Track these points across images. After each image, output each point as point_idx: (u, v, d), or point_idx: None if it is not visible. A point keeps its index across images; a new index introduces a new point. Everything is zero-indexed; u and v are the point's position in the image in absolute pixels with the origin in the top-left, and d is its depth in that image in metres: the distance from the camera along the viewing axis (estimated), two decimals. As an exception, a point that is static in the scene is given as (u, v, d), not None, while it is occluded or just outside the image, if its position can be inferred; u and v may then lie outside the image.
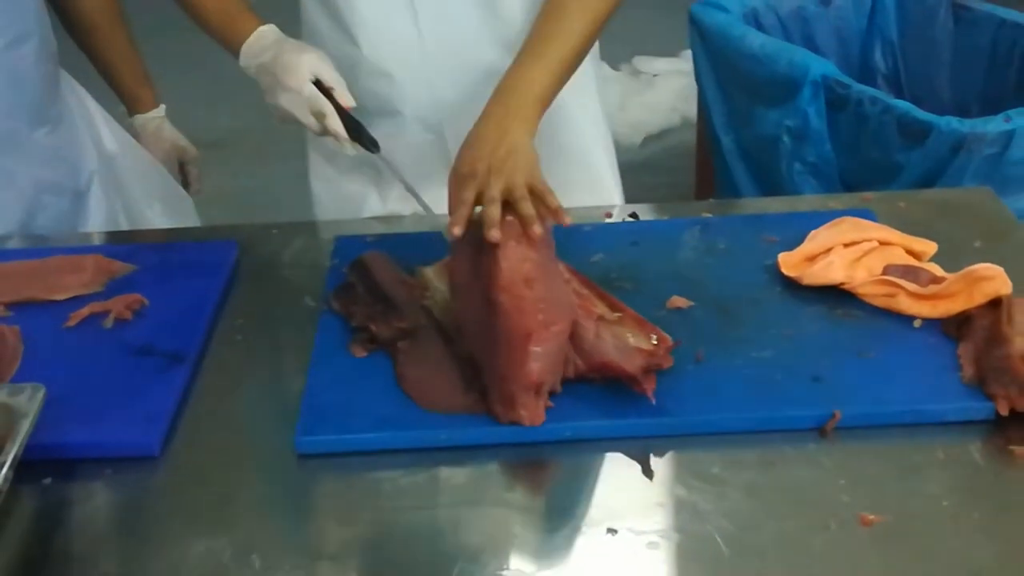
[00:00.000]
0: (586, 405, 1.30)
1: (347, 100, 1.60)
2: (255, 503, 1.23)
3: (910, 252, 1.53)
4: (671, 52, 4.75)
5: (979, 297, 1.40)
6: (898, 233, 1.55)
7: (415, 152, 1.76)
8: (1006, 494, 1.19)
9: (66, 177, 1.84)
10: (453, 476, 1.24)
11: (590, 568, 1.13)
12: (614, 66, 4.66)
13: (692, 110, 3.75)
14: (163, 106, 2.06)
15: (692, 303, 1.48)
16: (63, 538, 1.20)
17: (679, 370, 1.33)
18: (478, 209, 1.34)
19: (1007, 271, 1.41)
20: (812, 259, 1.52)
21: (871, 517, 1.15)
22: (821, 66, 2.77)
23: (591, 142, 1.84)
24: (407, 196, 1.69)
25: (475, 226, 1.33)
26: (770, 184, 2.99)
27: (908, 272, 1.46)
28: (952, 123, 2.47)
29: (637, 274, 1.55)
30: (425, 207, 1.65)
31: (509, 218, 1.32)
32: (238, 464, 1.29)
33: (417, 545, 1.16)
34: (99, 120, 1.95)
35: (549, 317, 1.28)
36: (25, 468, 1.20)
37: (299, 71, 1.58)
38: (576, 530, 1.17)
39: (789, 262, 1.53)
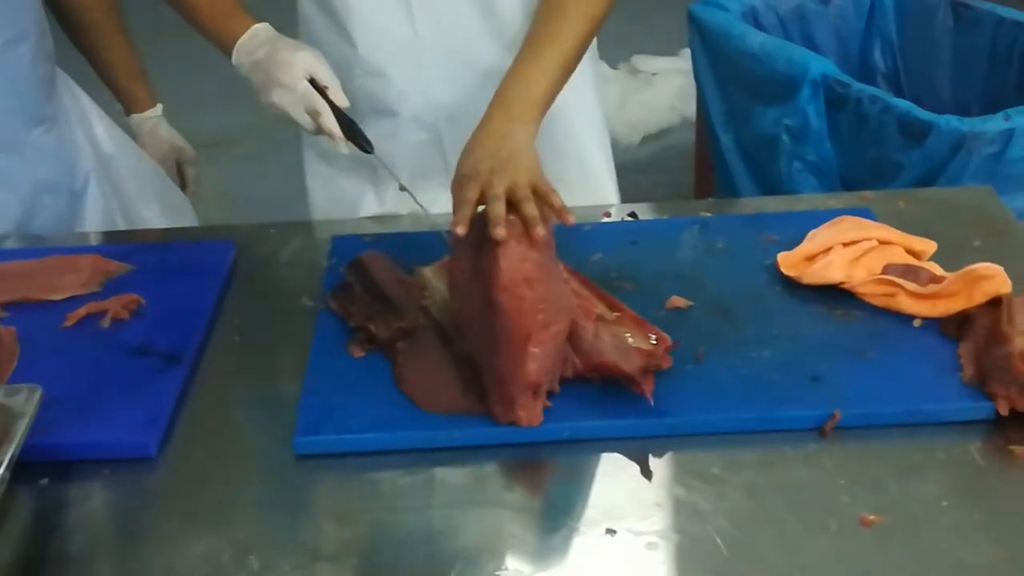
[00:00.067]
0: (585, 405, 1.29)
1: (341, 99, 1.60)
2: (253, 504, 1.23)
3: (910, 251, 1.52)
4: (670, 51, 4.75)
5: (979, 296, 1.39)
6: (898, 232, 1.54)
7: (411, 152, 1.76)
8: (1006, 494, 1.19)
9: (63, 177, 1.83)
10: (451, 476, 1.24)
11: (589, 569, 1.13)
12: (613, 65, 4.66)
13: (691, 109, 3.75)
14: (160, 106, 2.06)
15: (691, 303, 1.48)
16: (60, 539, 1.20)
17: (678, 370, 1.33)
18: (480, 208, 1.33)
19: (1007, 270, 1.40)
20: (811, 258, 1.52)
21: (871, 517, 1.15)
22: (820, 65, 2.77)
23: (587, 141, 1.84)
24: (404, 196, 1.69)
25: (476, 225, 1.33)
26: (769, 183, 2.98)
27: (908, 271, 1.46)
28: (952, 122, 2.46)
29: (636, 274, 1.55)
30: (421, 207, 1.65)
31: (511, 217, 1.31)
32: (236, 465, 1.29)
33: (415, 546, 1.16)
34: (96, 120, 1.94)
35: (549, 317, 1.27)
36: (22, 469, 1.19)
37: (294, 69, 1.58)
38: (575, 531, 1.16)
39: (788, 261, 1.52)
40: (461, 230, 1.31)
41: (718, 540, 1.13)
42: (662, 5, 4.48)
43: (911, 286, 1.43)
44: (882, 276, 1.46)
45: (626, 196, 1.90)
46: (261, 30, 1.65)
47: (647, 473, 1.23)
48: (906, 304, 1.43)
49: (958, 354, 1.35)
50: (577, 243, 1.56)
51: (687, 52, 3.37)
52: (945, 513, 1.16)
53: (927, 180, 2.50)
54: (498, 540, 1.16)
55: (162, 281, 1.58)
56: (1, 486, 1.15)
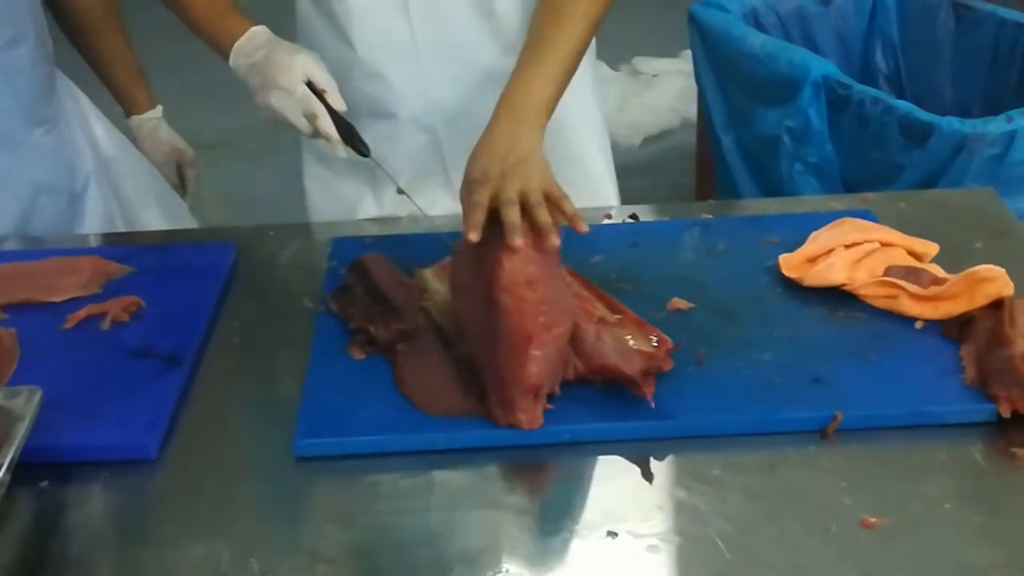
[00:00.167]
0: (586, 407, 1.29)
1: (339, 103, 1.59)
2: (253, 506, 1.23)
3: (911, 253, 1.52)
4: (671, 52, 4.75)
5: (981, 298, 1.39)
6: (899, 234, 1.54)
7: (410, 154, 1.76)
8: (1008, 496, 1.19)
9: (62, 178, 1.83)
10: (452, 479, 1.24)
11: (590, 571, 1.12)
12: (614, 67, 4.66)
13: (692, 111, 3.75)
14: (160, 107, 2.06)
15: (692, 305, 1.47)
16: (60, 541, 1.19)
17: (679, 372, 1.33)
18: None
19: (1009, 272, 1.40)
20: (813, 260, 1.51)
21: (872, 519, 1.15)
22: (822, 66, 2.76)
23: (587, 142, 1.83)
24: (402, 198, 1.68)
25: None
26: (770, 185, 2.98)
27: (909, 273, 1.46)
28: (953, 124, 2.46)
29: (637, 276, 1.54)
30: (420, 209, 1.65)
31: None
32: (236, 467, 1.28)
33: (415, 548, 1.16)
34: (95, 122, 1.94)
35: (550, 320, 1.27)
36: (22, 471, 1.19)
37: (292, 72, 1.57)
38: (575, 533, 1.16)
39: (790, 263, 1.52)
40: (474, 236, 1.28)
41: (719, 542, 1.13)
42: (663, 6, 4.48)
43: (913, 288, 1.43)
44: (884, 278, 1.45)
45: (627, 198, 1.90)
46: (259, 33, 1.65)
47: (648, 475, 1.23)
48: (908, 306, 1.43)
49: (960, 356, 1.35)
50: (578, 245, 1.55)
51: (688, 54, 3.37)
52: (947, 515, 1.16)
53: (929, 182, 2.50)
54: (498, 542, 1.16)
55: (162, 283, 1.58)
56: (1, 488, 1.15)
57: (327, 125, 1.57)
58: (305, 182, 1.91)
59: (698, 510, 1.17)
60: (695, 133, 3.63)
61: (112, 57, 1.98)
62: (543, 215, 1.29)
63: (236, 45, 1.64)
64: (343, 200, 1.85)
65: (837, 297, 1.47)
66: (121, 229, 1.91)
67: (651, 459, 1.24)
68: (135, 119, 2.05)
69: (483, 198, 1.30)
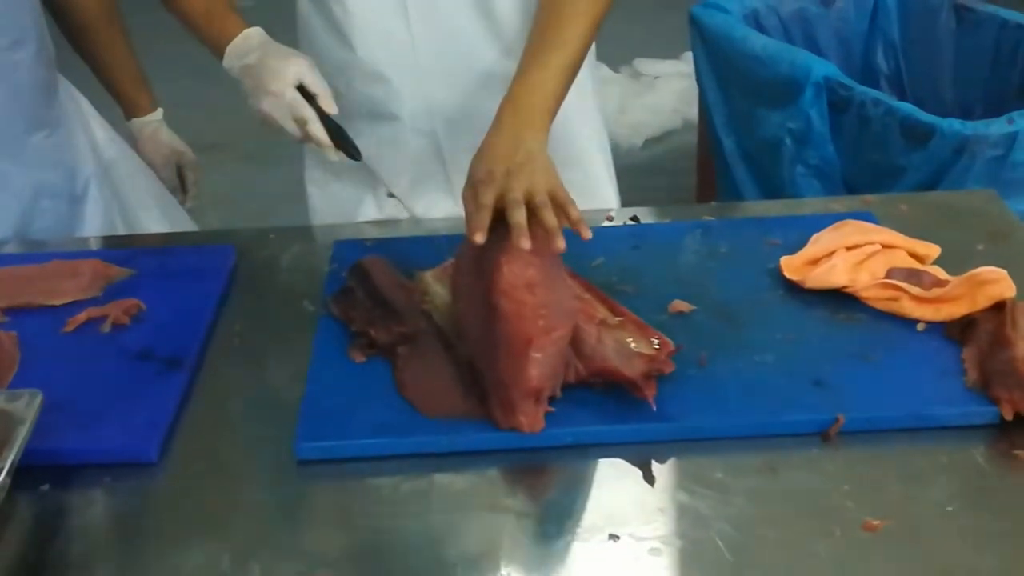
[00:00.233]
0: (587, 410, 1.29)
1: (331, 106, 1.58)
2: (254, 509, 1.23)
3: (913, 255, 1.52)
4: (672, 54, 4.75)
5: (983, 300, 1.39)
6: (901, 236, 1.54)
7: (411, 156, 1.75)
8: (1010, 498, 1.19)
9: (63, 181, 1.83)
10: (453, 482, 1.24)
11: (591, 575, 1.12)
12: (615, 68, 4.66)
13: (693, 112, 3.75)
14: (160, 110, 2.06)
15: (694, 307, 1.47)
16: (61, 545, 1.19)
17: (681, 375, 1.32)
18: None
19: (1011, 274, 1.40)
20: (815, 262, 1.51)
21: (875, 522, 1.14)
22: (823, 68, 2.76)
23: (587, 144, 1.83)
24: (403, 201, 1.68)
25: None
26: (772, 187, 2.98)
27: (911, 275, 1.45)
28: (955, 125, 2.46)
29: (638, 278, 1.54)
30: (409, 212, 1.64)
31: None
32: (237, 470, 1.28)
33: (416, 551, 1.16)
34: (96, 125, 1.94)
35: (550, 323, 1.27)
36: (23, 474, 1.19)
37: (283, 76, 1.57)
38: (577, 536, 1.16)
39: (791, 265, 1.52)
40: (480, 238, 1.27)
41: (721, 545, 1.13)
42: (664, 8, 4.48)
43: (915, 290, 1.43)
44: (885, 280, 1.45)
45: (628, 199, 1.90)
46: (253, 34, 1.65)
47: (650, 478, 1.22)
48: (910, 308, 1.43)
49: (962, 358, 1.35)
50: (579, 247, 1.55)
51: (689, 55, 3.37)
52: (949, 518, 1.15)
53: (930, 183, 2.49)
54: (499, 546, 1.15)
55: (163, 286, 1.58)
56: (2, 492, 1.15)
57: (316, 130, 1.57)
58: (307, 185, 1.91)
59: (700, 513, 1.17)
60: (696, 135, 3.63)
61: (112, 59, 1.98)
62: (549, 217, 1.28)
63: (230, 46, 1.64)
64: (344, 203, 1.85)
65: (839, 299, 1.47)
66: (122, 232, 1.91)
67: (653, 462, 1.24)
68: (136, 122, 2.04)
69: (488, 199, 1.29)
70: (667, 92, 4.55)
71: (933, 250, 1.53)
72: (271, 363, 1.46)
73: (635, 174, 3.43)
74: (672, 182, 3.95)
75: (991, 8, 3.01)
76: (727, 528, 1.15)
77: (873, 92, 2.69)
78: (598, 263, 1.57)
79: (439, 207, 1.77)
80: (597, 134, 1.85)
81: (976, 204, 1.76)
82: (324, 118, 1.57)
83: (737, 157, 3.14)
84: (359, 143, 1.60)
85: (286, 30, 1.71)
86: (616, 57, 4.65)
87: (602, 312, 1.38)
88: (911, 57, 3.25)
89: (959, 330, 1.39)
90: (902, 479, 1.21)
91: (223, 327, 1.52)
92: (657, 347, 1.32)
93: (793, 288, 1.50)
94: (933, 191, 2.41)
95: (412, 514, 1.20)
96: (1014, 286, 1.39)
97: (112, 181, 1.93)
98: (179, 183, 2.09)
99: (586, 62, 1.53)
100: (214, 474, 1.27)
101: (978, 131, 2.43)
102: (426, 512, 1.20)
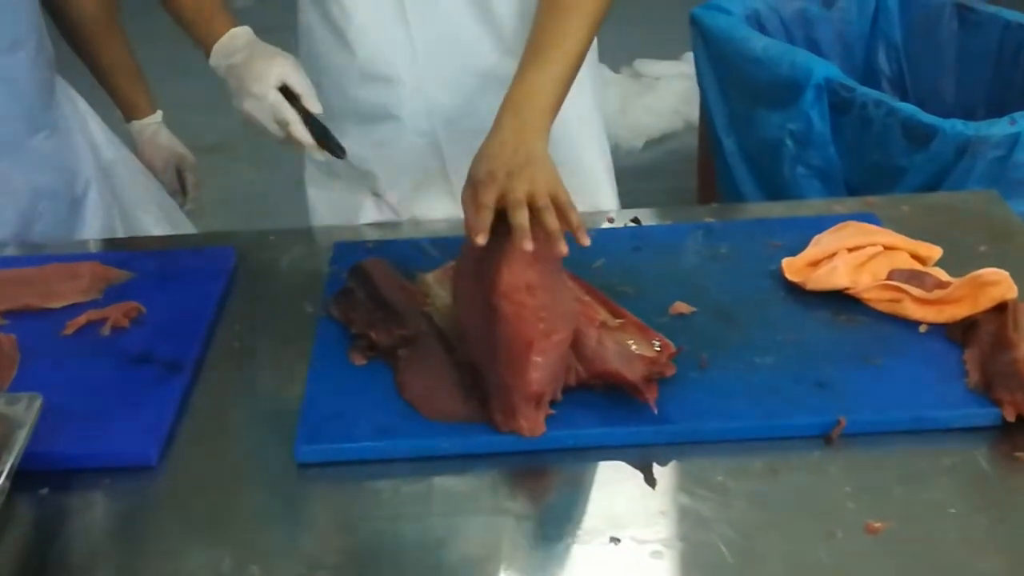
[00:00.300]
0: (588, 413, 1.29)
1: (315, 106, 1.58)
2: (254, 512, 1.22)
3: (915, 257, 1.52)
4: (673, 55, 4.75)
5: (985, 302, 1.39)
6: (903, 237, 1.54)
7: (411, 157, 1.75)
8: (1013, 500, 1.18)
9: (63, 184, 1.83)
10: (453, 485, 1.23)
11: (592, 578, 1.12)
12: (615, 69, 4.65)
13: (694, 113, 3.74)
14: (160, 112, 2.06)
15: (695, 309, 1.47)
16: (60, 548, 1.19)
17: (682, 377, 1.32)
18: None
19: (1013, 275, 1.40)
20: (816, 264, 1.51)
21: (877, 524, 1.14)
22: (824, 69, 2.76)
23: (586, 145, 1.82)
24: (403, 204, 1.68)
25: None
26: (773, 188, 2.98)
27: (913, 277, 1.45)
28: (957, 126, 2.46)
29: (639, 280, 1.54)
30: (396, 214, 1.63)
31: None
32: (237, 473, 1.28)
33: (417, 554, 1.15)
34: (95, 127, 1.94)
35: (550, 326, 1.26)
36: (22, 478, 1.19)
37: (265, 78, 1.57)
38: (578, 539, 1.15)
39: (793, 267, 1.52)
40: (481, 239, 1.26)
41: (723, 548, 1.13)
42: (664, 9, 4.48)
43: (916, 292, 1.42)
44: (887, 282, 1.45)
45: (628, 201, 1.89)
46: (240, 33, 1.65)
47: (651, 481, 1.22)
48: (911, 310, 1.43)
49: (964, 360, 1.34)
50: (579, 249, 1.55)
51: (690, 56, 3.37)
52: (951, 520, 1.15)
53: (932, 184, 2.49)
54: (500, 549, 1.15)
55: (162, 288, 1.58)
56: (1, 496, 1.14)
57: (298, 131, 1.56)
58: (307, 187, 1.91)
59: (701, 516, 1.17)
60: (697, 136, 3.63)
61: (112, 61, 1.98)
62: (551, 220, 1.27)
63: (217, 45, 1.64)
64: (344, 204, 1.85)
65: (840, 301, 1.47)
66: (121, 234, 1.91)
67: (654, 464, 1.24)
68: (135, 124, 2.05)
69: (489, 199, 1.29)
70: (668, 93, 4.55)
71: (935, 251, 1.53)
72: (271, 366, 1.45)
73: (636, 175, 3.43)
74: (673, 183, 3.95)
75: (993, 9, 3.01)
76: (729, 531, 1.15)
77: (875, 93, 2.69)
78: (599, 265, 1.57)
79: (438, 208, 1.76)
80: (597, 135, 1.85)
81: (978, 205, 1.76)
82: (309, 117, 1.57)
83: (738, 158, 3.14)
84: (359, 144, 1.60)
85: (285, 30, 1.71)
86: (616, 58, 4.65)
87: (603, 314, 1.38)
88: (913, 58, 3.25)
89: (961, 332, 1.39)
90: (904, 481, 1.20)
91: (223, 329, 1.52)
92: (658, 349, 1.32)
93: (794, 290, 1.50)
94: (935, 192, 2.41)
95: (412, 517, 1.19)
96: (1016, 287, 1.39)
97: (111, 183, 1.93)
98: (179, 185, 2.09)
99: (587, 63, 1.52)
100: (214, 477, 1.27)
101: (980, 132, 2.43)
102: (426, 515, 1.20)
